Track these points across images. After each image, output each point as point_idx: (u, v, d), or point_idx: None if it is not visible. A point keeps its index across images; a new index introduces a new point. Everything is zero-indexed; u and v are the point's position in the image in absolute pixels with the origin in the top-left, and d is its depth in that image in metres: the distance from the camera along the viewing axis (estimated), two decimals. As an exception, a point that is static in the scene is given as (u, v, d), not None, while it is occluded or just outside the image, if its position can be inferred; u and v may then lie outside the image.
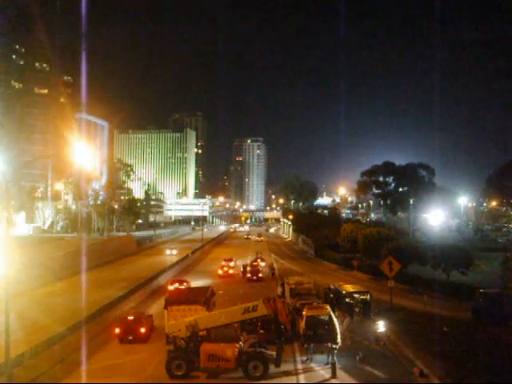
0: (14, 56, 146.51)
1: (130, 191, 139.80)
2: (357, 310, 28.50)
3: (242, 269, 52.46)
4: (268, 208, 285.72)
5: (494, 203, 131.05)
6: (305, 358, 22.01)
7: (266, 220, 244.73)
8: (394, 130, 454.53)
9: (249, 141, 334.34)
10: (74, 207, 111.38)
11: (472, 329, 26.33)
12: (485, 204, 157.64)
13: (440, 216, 79.81)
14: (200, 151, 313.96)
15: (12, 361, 18.18)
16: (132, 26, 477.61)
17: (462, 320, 28.51)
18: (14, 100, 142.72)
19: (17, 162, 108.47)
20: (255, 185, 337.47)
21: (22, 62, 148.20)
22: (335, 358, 20.33)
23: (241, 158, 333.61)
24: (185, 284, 39.64)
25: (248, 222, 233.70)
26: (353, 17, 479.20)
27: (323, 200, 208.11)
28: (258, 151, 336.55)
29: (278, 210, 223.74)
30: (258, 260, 60.67)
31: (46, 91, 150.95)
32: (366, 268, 51.23)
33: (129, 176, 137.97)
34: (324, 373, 20.51)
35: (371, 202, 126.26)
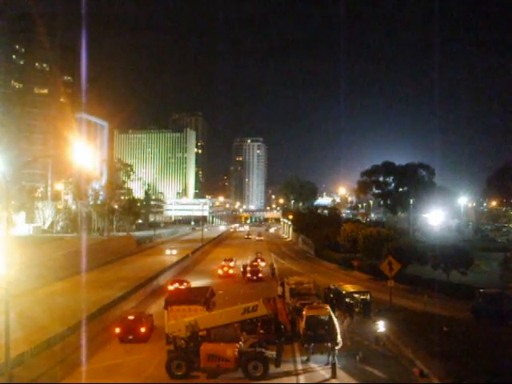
0: (13, 56, 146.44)
1: (129, 191, 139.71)
2: (357, 310, 28.50)
3: (242, 269, 52.47)
4: (268, 208, 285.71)
5: (494, 203, 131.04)
6: (305, 358, 22.01)
7: (265, 220, 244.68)
8: (393, 130, 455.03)
9: (249, 141, 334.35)
10: (74, 207, 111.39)
11: (472, 329, 26.34)
12: (485, 204, 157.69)
13: (440, 216, 79.84)
14: (200, 151, 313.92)
15: (12, 361, 18.19)
16: (132, 26, 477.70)
17: (462, 320, 28.51)
18: (14, 100, 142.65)
19: (17, 161, 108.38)
20: (255, 185, 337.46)
21: (22, 62, 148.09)
22: (335, 358, 20.34)
23: (241, 158, 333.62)
24: (185, 284, 39.65)
25: (248, 222, 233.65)
26: (353, 17, 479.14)
27: (323, 200, 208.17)
28: (258, 151, 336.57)
29: (278, 210, 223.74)
30: (258, 260, 60.69)
31: (45, 91, 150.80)
32: (366, 268, 51.23)
33: (129, 176, 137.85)
34: (324, 373, 20.51)
35: (371, 202, 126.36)
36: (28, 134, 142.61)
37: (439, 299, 34.17)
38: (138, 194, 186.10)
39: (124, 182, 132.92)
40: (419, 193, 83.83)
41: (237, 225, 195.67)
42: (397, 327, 26.12)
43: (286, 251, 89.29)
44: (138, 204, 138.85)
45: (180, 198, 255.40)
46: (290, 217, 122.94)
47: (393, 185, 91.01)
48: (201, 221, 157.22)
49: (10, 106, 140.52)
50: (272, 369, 20.18)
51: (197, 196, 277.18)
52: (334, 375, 19.92)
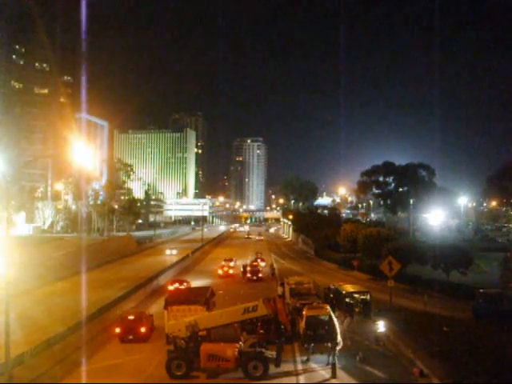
0: (13, 56, 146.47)
1: (130, 191, 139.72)
2: (357, 310, 28.55)
3: (242, 269, 52.46)
4: (268, 208, 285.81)
5: (494, 203, 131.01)
6: (305, 358, 22.00)
7: (266, 220, 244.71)
8: (393, 130, 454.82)
9: (249, 141, 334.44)
10: (74, 207, 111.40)
11: (472, 329, 26.33)
12: (485, 204, 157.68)
13: (440, 216, 79.75)
14: (200, 151, 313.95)
15: (12, 361, 18.18)
16: (132, 26, 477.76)
17: (462, 320, 28.50)
18: (13, 100, 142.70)
19: (17, 161, 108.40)
20: (255, 185, 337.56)
21: (22, 62, 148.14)
22: (335, 358, 20.33)
23: (241, 158, 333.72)
24: (185, 284, 39.65)
25: (248, 222, 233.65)
26: (353, 17, 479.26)
27: (323, 200, 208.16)
28: (258, 151, 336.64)
29: (278, 210, 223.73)
30: (258, 260, 60.69)
31: (46, 91, 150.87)
32: (366, 268, 51.22)
33: (129, 176, 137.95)
34: (324, 373, 20.50)
35: (371, 202, 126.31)
36: (28, 134, 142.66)
37: (439, 299, 34.16)
38: (138, 194, 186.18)
39: (124, 182, 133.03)
40: (419, 193, 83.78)
41: (237, 225, 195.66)
42: (397, 327, 26.12)
43: (286, 251, 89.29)
44: (138, 204, 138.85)
45: (180, 198, 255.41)
46: (290, 217, 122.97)
47: (393, 185, 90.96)
48: (201, 221, 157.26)
49: (9, 106, 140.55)
50: (272, 369, 20.17)
51: (197, 196, 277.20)
52: (333, 375, 19.92)
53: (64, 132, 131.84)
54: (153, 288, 43.28)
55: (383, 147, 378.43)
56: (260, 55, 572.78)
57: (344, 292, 29.72)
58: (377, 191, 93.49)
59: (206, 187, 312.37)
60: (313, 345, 21.73)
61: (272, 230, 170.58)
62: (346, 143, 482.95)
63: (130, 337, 25.60)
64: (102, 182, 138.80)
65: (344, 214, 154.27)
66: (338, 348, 20.52)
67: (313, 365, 21.46)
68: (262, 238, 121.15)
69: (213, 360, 20.08)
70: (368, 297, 29.03)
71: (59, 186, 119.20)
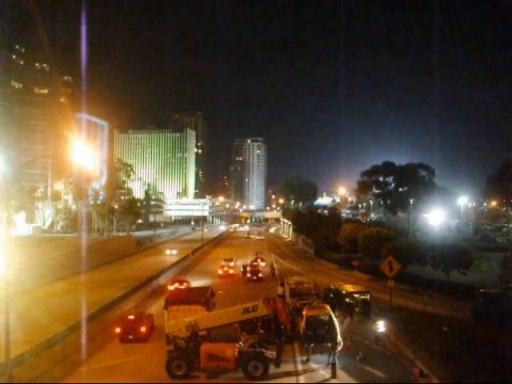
0: (14, 56, 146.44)
1: (130, 191, 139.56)
2: (357, 310, 28.54)
3: (242, 269, 52.46)
4: (268, 208, 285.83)
5: (493, 203, 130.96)
6: (305, 358, 22.00)
7: (266, 220, 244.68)
8: (394, 130, 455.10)
9: (249, 141, 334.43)
10: (74, 207, 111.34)
11: (472, 329, 26.33)
12: (485, 204, 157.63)
13: (440, 216, 79.62)
14: (200, 151, 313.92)
15: (12, 361, 18.18)
16: (132, 26, 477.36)
17: (462, 320, 28.50)
18: (13, 100, 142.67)
19: (17, 161, 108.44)
20: (255, 185, 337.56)
21: (21, 62, 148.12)
22: (335, 358, 20.33)
23: (241, 158, 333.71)
24: (185, 284, 39.66)
25: (248, 222, 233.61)
26: (353, 17, 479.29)
27: (323, 200, 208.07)
28: (258, 151, 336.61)
29: (278, 210, 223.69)
30: (258, 260, 60.69)
31: (46, 91, 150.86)
32: (366, 268, 51.19)
33: (129, 176, 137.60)
34: (324, 373, 20.50)
35: (371, 202, 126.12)
36: (28, 134, 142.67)
37: (439, 299, 34.18)
38: (138, 194, 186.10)
39: (124, 182, 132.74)
40: (419, 193, 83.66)
41: (237, 225, 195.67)
42: (397, 327, 26.11)
43: (286, 251, 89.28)
44: (138, 204, 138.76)
45: (180, 198, 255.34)
46: (290, 217, 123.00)
47: (393, 185, 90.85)
48: (201, 221, 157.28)
49: (9, 106, 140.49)
50: (272, 369, 20.17)
51: (197, 196, 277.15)
52: (334, 375, 19.92)
53: (64, 132, 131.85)
54: (153, 288, 43.27)
55: (383, 147, 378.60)
56: (260, 55, 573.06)
57: (344, 292, 29.72)
58: (377, 191, 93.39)
59: (206, 187, 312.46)
60: (313, 345, 21.73)
61: (272, 230, 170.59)
62: (346, 143, 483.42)
63: (130, 337, 25.61)
64: (102, 182, 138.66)
65: (344, 214, 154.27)
66: (338, 348, 20.51)
67: (313, 365, 21.46)
68: (262, 237, 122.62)
69: (213, 360, 20.09)
70: (368, 297, 29.03)
71: (59, 186, 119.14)
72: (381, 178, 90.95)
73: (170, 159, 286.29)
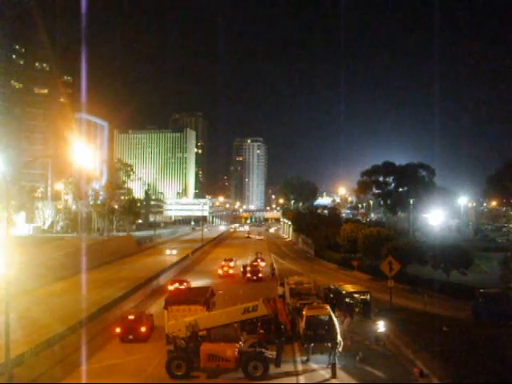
0: (14, 56, 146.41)
1: (130, 191, 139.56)
2: (357, 310, 28.56)
3: (242, 269, 52.46)
4: (268, 208, 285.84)
5: (494, 203, 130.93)
6: (305, 358, 22.00)
7: (266, 220, 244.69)
8: (394, 130, 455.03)
9: (249, 141, 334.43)
10: (74, 207, 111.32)
11: (472, 329, 26.33)
12: (485, 204, 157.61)
13: (440, 216, 79.62)
14: (200, 151, 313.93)
15: (12, 361, 18.18)
16: (132, 26, 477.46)
17: (462, 320, 28.50)
18: (13, 100, 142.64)
19: (17, 161, 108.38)
20: (255, 185, 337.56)
21: (21, 62, 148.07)
22: (336, 358, 20.33)
23: (241, 158, 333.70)
24: (185, 284, 39.65)
25: (248, 222, 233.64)
26: (353, 17, 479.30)
27: (323, 200, 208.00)
28: (258, 151, 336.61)
29: (278, 210, 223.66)
30: (258, 260, 60.70)
31: (46, 91, 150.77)
32: (366, 268, 51.20)
33: (129, 176, 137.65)
34: (324, 373, 20.50)
35: (371, 202, 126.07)
36: (28, 134, 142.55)
37: (439, 299, 34.17)
38: (138, 194, 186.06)
39: (124, 182, 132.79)
40: (419, 193, 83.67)
41: (237, 225, 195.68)
42: (397, 327, 26.12)
43: (286, 251, 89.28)
44: (138, 204, 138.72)
45: (180, 198, 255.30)
46: (290, 217, 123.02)
47: (393, 185, 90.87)
48: (201, 221, 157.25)
49: (9, 106, 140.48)
50: (272, 369, 20.17)
51: (197, 196, 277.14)
52: (334, 375, 19.92)
53: (64, 132, 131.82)
54: (153, 288, 43.28)
55: (383, 147, 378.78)
56: (260, 55, 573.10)
57: (344, 292, 29.74)
58: (377, 191, 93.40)
59: (205, 187, 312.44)
60: (313, 345, 21.73)
61: (272, 230, 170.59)
62: (346, 143, 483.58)
63: (130, 336, 25.62)
64: (102, 182, 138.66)
65: (344, 214, 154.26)
66: (339, 348, 20.50)
67: (313, 365, 21.46)
68: (262, 237, 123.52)
69: (213, 360, 20.09)
70: (368, 297, 29.05)
71: (59, 186, 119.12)
72: (381, 178, 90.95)
73: (169, 159, 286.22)
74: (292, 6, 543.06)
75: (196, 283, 43.81)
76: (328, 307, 22.90)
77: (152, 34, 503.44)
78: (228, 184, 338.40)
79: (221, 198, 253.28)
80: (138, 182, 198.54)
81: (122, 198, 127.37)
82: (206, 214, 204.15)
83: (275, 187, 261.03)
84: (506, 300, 28.47)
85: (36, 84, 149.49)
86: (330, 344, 20.71)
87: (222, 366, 20.15)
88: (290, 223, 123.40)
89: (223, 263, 54.82)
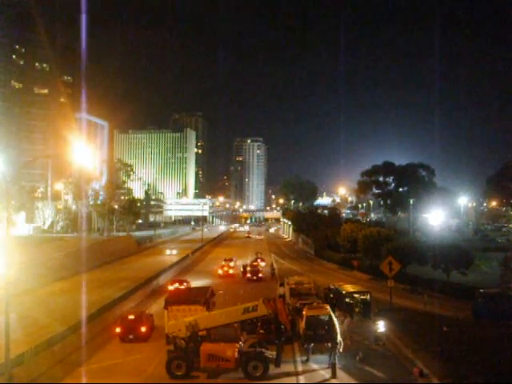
0: (13, 56, 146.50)
1: (130, 191, 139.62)
2: (357, 310, 28.54)
3: (241, 269, 52.47)
4: (268, 208, 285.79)
5: (494, 203, 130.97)
6: (304, 358, 22.00)
7: (266, 220, 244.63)
8: (394, 130, 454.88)
9: (249, 141, 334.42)
10: (74, 207, 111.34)
11: (472, 329, 26.34)
12: (485, 204, 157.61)
13: (440, 216, 79.62)
14: (200, 151, 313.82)
15: (12, 361, 18.19)
16: (132, 26, 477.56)
17: (461, 320, 28.52)
18: (13, 100, 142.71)
19: (17, 161, 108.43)
20: (255, 185, 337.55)
21: (21, 62, 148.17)
22: (336, 358, 20.33)
23: (241, 158, 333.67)
24: (185, 284, 39.66)
25: (248, 222, 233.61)
26: (353, 17, 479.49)
27: (323, 200, 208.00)
28: (258, 151, 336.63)
29: (278, 210, 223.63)
30: (258, 260, 60.70)
31: (46, 91, 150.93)
32: (366, 268, 51.22)
33: (129, 176, 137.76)
34: (324, 373, 20.50)
35: (371, 202, 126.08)
36: (28, 134, 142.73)
37: (439, 299, 34.17)
38: (138, 194, 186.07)
39: (124, 182, 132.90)
40: (419, 193, 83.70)
41: (237, 225, 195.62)
42: (397, 327, 26.13)
43: (286, 251, 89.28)
44: (138, 204, 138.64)
45: (180, 198, 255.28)
46: (290, 217, 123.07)
47: (393, 185, 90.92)
48: (201, 221, 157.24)
49: (9, 106, 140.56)
50: (272, 369, 20.17)
51: (197, 196, 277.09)
52: (334, 375, 19.92)
53: (64, 132, 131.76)
54: (153, 288, 43.30)
55: (383, 147, 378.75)
56: (260, 55, 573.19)
57: (344, 292, 29.73)
58: (377, 191, 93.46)
59: (206, 187, 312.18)
60: (313, 345, 21.74)
61: (272, 230, 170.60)
62: (346, 143, 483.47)
63: (131, 336, 25.63)
64: (102, 182, 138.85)
65: (344, 214, 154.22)
66: (340, 348, 20.49)
67: (313, 365, 21.46)
68: (262, 237, 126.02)
69: (213, 360, 20.09)
70: (368, 297, 29.04)
71: (59, 186, 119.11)
72: (381, 178, 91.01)
73: (170, 159, 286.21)
74: (292, 6, 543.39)
75: (196, 283, 43.80)
76: (328, 307, 22.90)
77: (152, 34, 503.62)
78: (228, 184, 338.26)
79: (221, 198, 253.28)
80: (138, 181, 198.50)
81: (122, 198, 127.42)
82: (206, 214, 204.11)
83: (275, 187, 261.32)
84: (506, 300, 28.47)
85: (36, 84, 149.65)
86: (329, 344, 20.71)
87: (222, 366, 20.15)
88: (289, 223, 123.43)
89: (223, 263, 54.82)
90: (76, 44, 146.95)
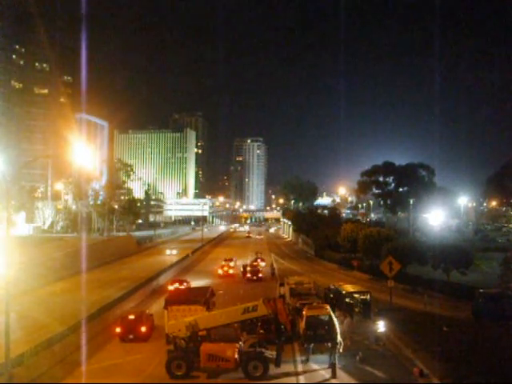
0: (14, 56, 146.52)
1: (130, 191, 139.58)
2: (357, 310, 28.54)
3: (242, 269, 52.47)
4: (268, 208, 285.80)
5: (494, 203, 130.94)
6: (305, 358, 21.99)
7: (266, 220, 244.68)
8: (393, 130, 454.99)
9: (249, 141, 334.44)
10: (74, 207, 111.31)
11: (472, 329, 26.35)
12: (485, 204, 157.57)
13: (440, 216, 79.57)
14: (200, 151, 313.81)
15: (12, 361, 18.19)
16: (132, 26, 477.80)
17: (462, 320, 28.52)
18: (13, 100, 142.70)
19: (17, 161, 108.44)
20: (255, 185, 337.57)
21: (21, 62, 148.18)
22: (336, 358, 20.32)
23: (241, 158, 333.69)
24: (185, 284, 39.68)
25: (248, 222, 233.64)
26: (353, 16, 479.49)
27: (323, 200, 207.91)
28: (258, 151, 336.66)
29: (278, 210, 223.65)
30: (258, 260, 60.72)
31: (46, 91, 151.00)
32: (366, 268, 51.24)
33: (129, 176, 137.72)
34: (324, 373, 20.50)
35: (371, 202, 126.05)
36: (28, 134, 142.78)
37: (439, 299, 34.17)
38: (138, 194, 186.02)
39: (124, 182, 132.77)
40: (419, 193, 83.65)
41: (237, 225, 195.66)
42: (397, 327, 26.13)
43: (286, 251, 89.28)
44: (138, 204, 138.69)
45: (180, 198, 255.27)
46: (290, 217, 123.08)
47: (393, 185, 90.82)
48: (201, 221, 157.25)
49: (9, 105, 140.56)
50: (272, 369, 20.17)
51: (197, 196, 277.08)
52: (334, 375, 19.92)
53: (64, 132, 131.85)
54: (153, 288, 43.30)
55: (383, 147, 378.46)
56: (260, 55, 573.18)
57: (344, 292, 29.73)
58: (377, 191, 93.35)
59: (205, 187, 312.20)
60: (313, 345, 21.74)
61: (272, 230, 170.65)
62: (346, 143, 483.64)
63: (131, 336, 25.65)
64: (102, 182, 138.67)
65: (344, 214, 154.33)
66: (340, 348, 20.49)
67: (313, 365, 21.45)
68: (262, 236, 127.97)
69: (213, 360, 20.09)
70: (368, 297, 29.04)
71: (59, 186, 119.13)
72: (381, 178, 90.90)
73: (170, 159, 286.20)
74: (292, 6, 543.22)
75: (196, 283, 43.81)
76: (328, 307, 22.90)
77: (152, 34, 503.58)
78: (228, 184, 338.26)
79: (221, 198, 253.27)
80: (138, 181, 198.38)
81: (122, 198, 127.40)
82: (206, 214, 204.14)
83: (275, 187, 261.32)
84: (506, 300, 28.47)
85: (36, 84, 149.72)
86: (330, 344, 20.72)
87: (222, 366, 20.15)
88: (289, 223, 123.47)
89: (223, 263, 54.84)
90: (76, 44, 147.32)
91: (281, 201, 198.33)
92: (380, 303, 32.35)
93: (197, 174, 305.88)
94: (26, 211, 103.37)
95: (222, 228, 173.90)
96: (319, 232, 78.27)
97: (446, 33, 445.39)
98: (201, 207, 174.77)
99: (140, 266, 62.99)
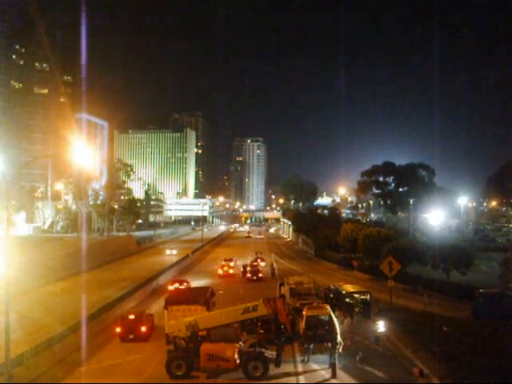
0: (14, 56, 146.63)
1: (130, 191, 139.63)
2: (357, 310, 28.53)
3: (241, 269, 52.48)
4: (268, 208, 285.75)
5: (494, 203, 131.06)
6: (305, 358, 21.98)
7: (266, 220, 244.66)
8: (394, 130, 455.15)
9: (249, 141, 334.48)
10: (74, 207, 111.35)
11: (472, 329, 26.33)
12: (485, 204, 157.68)
13: (440, 216, 79.50)
14: (200, 151, 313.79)
15: (12, 361, 18.19)
16: (132, 26, 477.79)
17: (462, 320, 28.51)
18: (13, 100, 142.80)
19: (17, 161, 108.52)
20: (255, 185, 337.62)
21: (21, 62, 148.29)
22: (336, 358, 20.33)
23: (241, 158, 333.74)
24: (185, 284, 39.67)
25: (248, 222, 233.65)
26: (353, 17, 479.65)
27: (323, 200, 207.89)
28: (258, 151, 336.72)
29: (278, 210, 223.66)
30: (258, 260, 60.71)
31: (46, 91, 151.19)
32: (366, 268, 51.24)
33: (129, 176, 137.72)
34: (324, 373, 20.50)
35: (371, 202, 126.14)
36: (28, 134, 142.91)
37: (439, 299, 34.15)
38: (138, 194, 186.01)
39: (124, 182, 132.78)
40: (419, 193, 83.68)
41: (237, 225, 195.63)
42: (397, 327, 26.12)
43: (286, 251, 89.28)
44: (138, 204, 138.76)
45: (180, 198, 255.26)
46: (290, 217, 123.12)
47: (393, 185, 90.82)
48: (201, 221, 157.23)
49: (9, 105, 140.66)
50: (272, 369, 20.17)
51: (197, 196, 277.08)
52: (334, 375, 19.92)
53: (64, 132, 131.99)
54: (153, 288, 43.29)
55: (383, 147, 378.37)
56: (260, 55, 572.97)
57: (344, 292, 29.73)
58: (377, 191, 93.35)
59: (205, 187, 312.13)
60: (313, 345, 21.73)
61: (272, 230, 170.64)
62: (345, 143, 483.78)
63: (131, 336, 25.65)
64: (102, 182, 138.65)
65: (344, 214, 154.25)
66: (340, 348, 20.49)
67: (313, 365, 21.45)
68: (262, 236, 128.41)
69: (213, 360, 20.08)
70: (368, 297, 29.04)
71: (59, 186, 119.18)
72: (381, 178, 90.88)
73: (170, 159, 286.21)
74: (292, 6, 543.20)
75: (196, 283, 43.81)
76: (328, 307, 22.90)
77: (152, 34, 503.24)
78: (228, 184, 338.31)
79: (221, 198, 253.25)
80: (138, 181, 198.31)
81: (122, 198, 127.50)
82: (206, 214, 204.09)
83: (275, 187, 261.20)
84: (505, 300, 28.48)
85: (36, 84, 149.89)
86: (330, 344, 20.72)
87: (222, 366, 20.14)
88: (289, 223, 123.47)
89: (223, 263, 54.83)
90: (76, 44, 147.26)
91: (281, 201, 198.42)
92: (380, 303, 32.35)
93: (197, 174, 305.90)
94: (26, 211, 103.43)
95: (222, 228, 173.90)
96: (319, 232, 78.28)
97: (445, 33, 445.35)
98: (201, 207, 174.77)
99: (140, 265, 63.00)
